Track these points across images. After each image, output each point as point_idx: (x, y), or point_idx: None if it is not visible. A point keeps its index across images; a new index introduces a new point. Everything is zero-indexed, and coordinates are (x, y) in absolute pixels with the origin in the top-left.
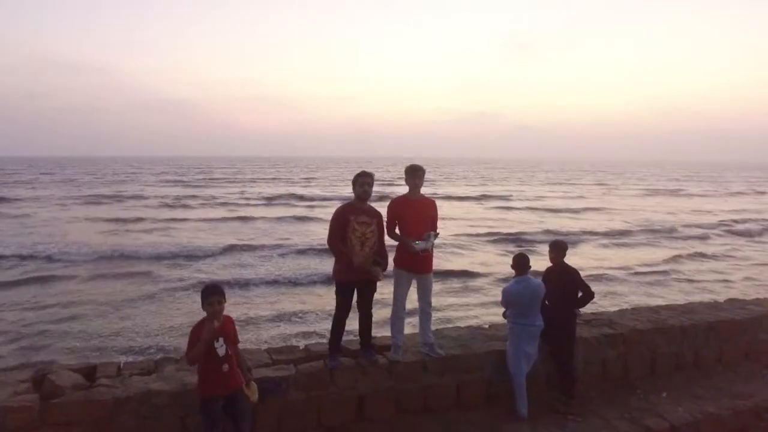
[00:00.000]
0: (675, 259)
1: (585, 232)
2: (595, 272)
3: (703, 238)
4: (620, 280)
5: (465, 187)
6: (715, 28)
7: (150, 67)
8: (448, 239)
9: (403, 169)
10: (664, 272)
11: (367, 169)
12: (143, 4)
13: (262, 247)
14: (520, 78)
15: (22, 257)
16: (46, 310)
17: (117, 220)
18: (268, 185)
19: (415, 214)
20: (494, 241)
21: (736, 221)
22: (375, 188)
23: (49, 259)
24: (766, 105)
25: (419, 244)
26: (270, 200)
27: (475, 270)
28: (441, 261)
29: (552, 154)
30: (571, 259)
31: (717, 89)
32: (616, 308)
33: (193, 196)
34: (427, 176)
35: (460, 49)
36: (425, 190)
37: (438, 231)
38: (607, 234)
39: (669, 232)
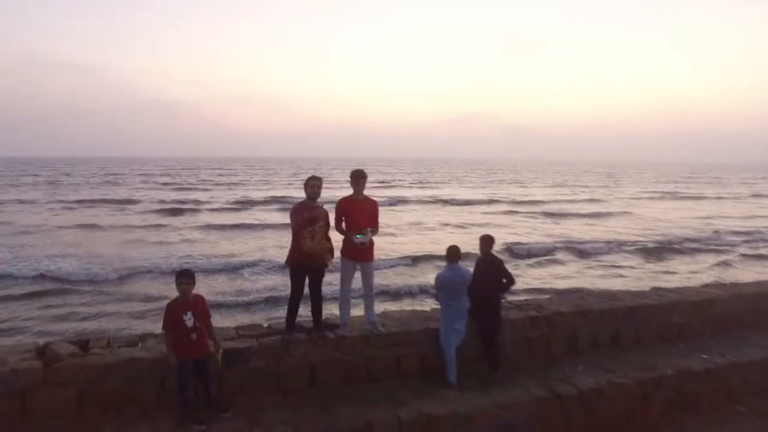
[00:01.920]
0: None
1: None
2: None
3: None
4: None
5: (484, 191)
6: (710, 28)
7: (140, 67)
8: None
9: (394, 170)
10: None
11: (317, 174)
12: (133, 3)
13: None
14: (516, 79)
15: (34, 278)
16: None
17: (126, 227)
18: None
19: (359, 213)
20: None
21: None
22: (378, 190)
23: (69, 279)
24: (758, 105)
25: (359, 238)
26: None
27: None
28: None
29: (548, 156)
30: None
31: (712, 90)
32: None
33: (196, 201)
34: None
35: (457, 51)
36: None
37: (377, 228)
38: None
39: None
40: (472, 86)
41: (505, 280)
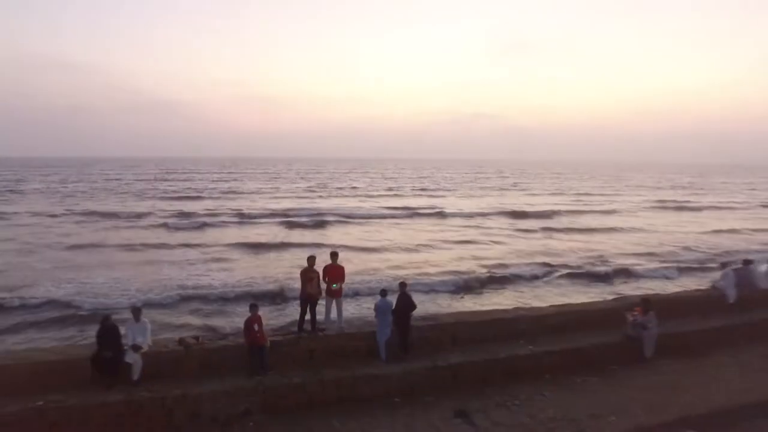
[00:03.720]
0: None
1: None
2: None
3: None
4: None
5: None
6: (704, 28)
7: (140, 68)
8: None
9: (393, 176)
10: None
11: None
12: (132, 4)
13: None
14: (513, 79)
15: (67, 307)
16: None
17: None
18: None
19: (335, 273)
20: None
21: None
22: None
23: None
24: (752, 106)
25: (334, 287)
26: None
27: None
28: None
29: (547, 156)
30: None
31: (706, 90)
32: None
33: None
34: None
35: (454, 51)
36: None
37: (344, 281)
38: None
39: None
40: (471, 87)
41: (413, 306)
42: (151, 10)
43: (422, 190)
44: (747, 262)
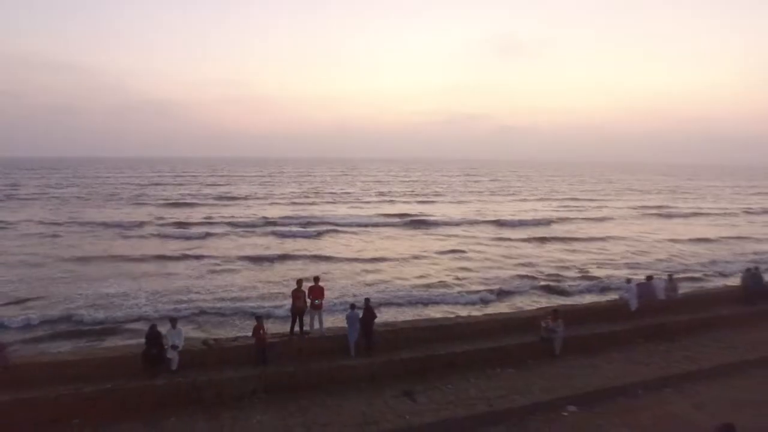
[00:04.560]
0: None
1: None
2: None
3: None
4: None
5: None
6: (697, 29)
7: (134, 67)
8: None
9: (384, 179)
10: None
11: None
12: (126, 4)
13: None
14: (506, 80)
15: (79, 323)
16: None
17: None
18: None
19: (317, 292)
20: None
21: None
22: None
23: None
24: (747, 106)
25: (316, 302)
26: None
27: None
28: None
29: (540, 156)
30: None
31: (700, 90)
32: None
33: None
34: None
35: (447, 52)
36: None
37: (324, 297)
38: None
39: None
40: (465, 87)
41: (375, 316)
42: (142, 9)
43: (412, 195)
44: (649, 278)
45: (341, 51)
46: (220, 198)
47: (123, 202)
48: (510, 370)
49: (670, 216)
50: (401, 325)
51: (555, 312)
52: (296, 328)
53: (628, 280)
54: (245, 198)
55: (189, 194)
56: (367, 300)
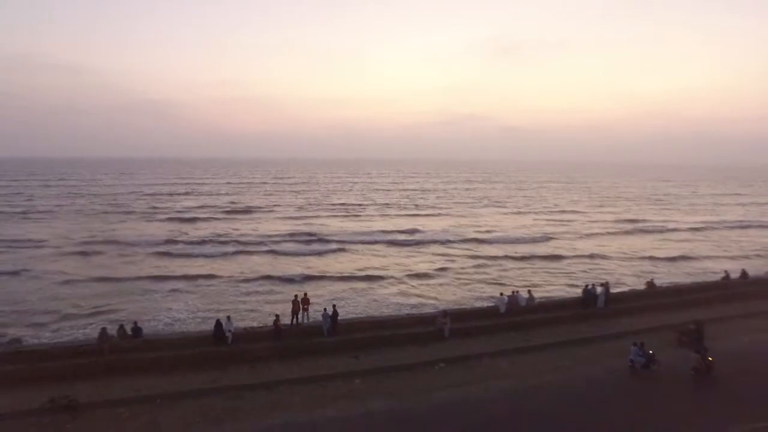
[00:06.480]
0: None
1: None
2: None
3: None
4: None
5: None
6: (700, 30)
7: (135, 68)
8: None
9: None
10: None
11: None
12: (128, 5)
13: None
14: (506, 81)
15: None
16: None
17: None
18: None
19: (304, 301)
20: None
21: None
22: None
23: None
24: (745, 107)
25: (305, 307)
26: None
27: None
28: None
29: (538, 156)
30: None
31: (702, 91)
32: None
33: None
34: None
35: (448, 53)
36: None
37: (309, 304)
38: None
39: None
40: (464, 88)
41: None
42: (142, 10)
43: (407, 206)
44: (515, 292)
45: (341, 51)
46: (230, 212)
47: (137, 217)
48: (414, 346)
49: (643, 231)
50: (353, 320)
51: (445, 312)
52: (294, 321)
53: (501, 294)
54: (253, 210)
55: (197, 207)
56: (334, 305)
